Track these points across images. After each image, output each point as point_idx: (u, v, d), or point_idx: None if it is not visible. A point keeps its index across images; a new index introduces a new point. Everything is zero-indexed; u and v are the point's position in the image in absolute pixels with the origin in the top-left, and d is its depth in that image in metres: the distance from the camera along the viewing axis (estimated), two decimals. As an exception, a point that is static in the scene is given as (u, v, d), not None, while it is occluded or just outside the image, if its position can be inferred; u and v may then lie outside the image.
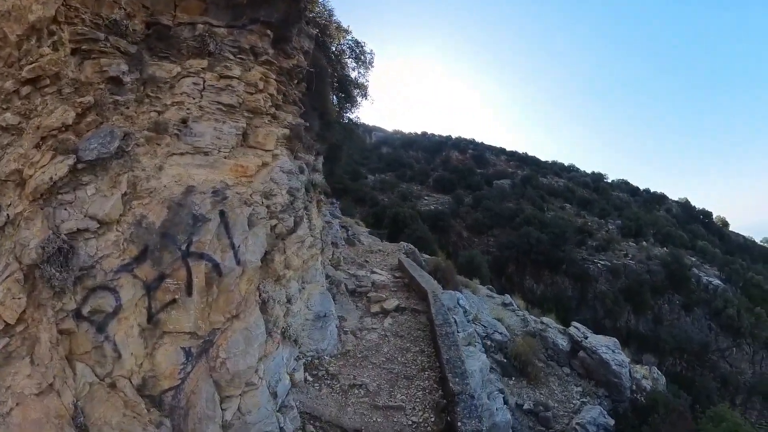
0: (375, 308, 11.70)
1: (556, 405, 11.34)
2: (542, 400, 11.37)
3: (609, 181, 78.18)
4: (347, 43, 16.29)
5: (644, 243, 45.99)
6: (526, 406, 10.96)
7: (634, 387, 12.69)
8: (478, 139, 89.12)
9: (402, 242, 24.94)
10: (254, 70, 7.25)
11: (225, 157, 6.43)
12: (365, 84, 17.03)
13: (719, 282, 39.77)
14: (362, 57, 16.47)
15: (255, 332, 6.10)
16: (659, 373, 16.79)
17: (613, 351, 12.38)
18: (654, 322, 36.00)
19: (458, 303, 14.67)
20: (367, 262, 16.48)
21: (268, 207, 6.91)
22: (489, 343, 12.86)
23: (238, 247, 5.93)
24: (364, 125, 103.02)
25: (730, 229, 70.86)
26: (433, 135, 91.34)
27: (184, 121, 6.31)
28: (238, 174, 6.52)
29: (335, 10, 15.95)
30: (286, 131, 8.37)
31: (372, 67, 16.67)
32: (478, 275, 25.80)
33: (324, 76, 11.64)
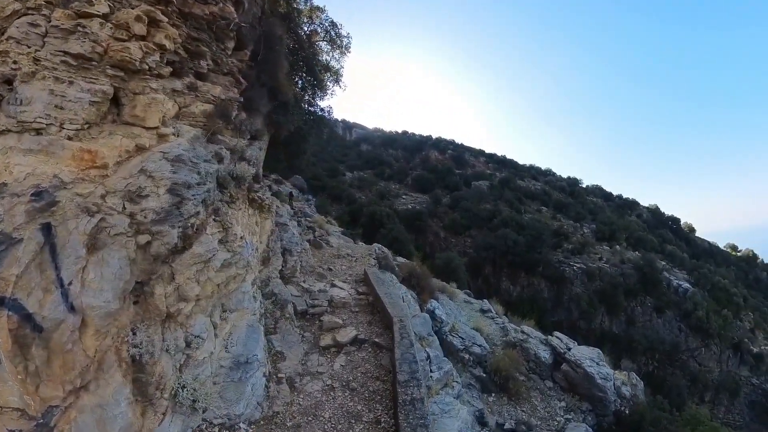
0: (326, 339, 9.19)
1: (539, 423, 10.59)
2: (524, 418, 10.60)
3: (584, 186, 79.55)
4: (321, 24, 15.07)
5: (617, 247, 46.56)
6: (507, 426, 10.15)
7: (618, 400, 12.12)
8: (458, 140, 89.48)
9: (375, 245, 23.93)
10: (135, 9, 5.46)
11: (68, 138, 4.56)
12: (339, 69, 15.79)
13: (689, 285, 40.65)
14: (338, 40, 15.28)
15: (114, 410, 4.23)
16: (638, 378, 16.42)
17: (598, 364, 11.76)
18: (627, 324, 36.51)
19: (434, 313, 13.85)
20: (330, 270, 14.45)
21: (132, 215, 4.73)
22: (467, 357, 12.02)
23: (69, 284, 3.98)
24: (344, 121, 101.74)
25: (697, 234, 73.43)
26: (413, 134, 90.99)
27: (8, 82, 4.38)
28: (85, 164, 4.54)
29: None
30: (208, 107, 6.90)
31: (348, 52, 15.50)
32: (455, 278, 25.08)
33: (276, 45, 10.19)
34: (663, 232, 61.72)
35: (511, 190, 60.04)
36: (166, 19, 5.95)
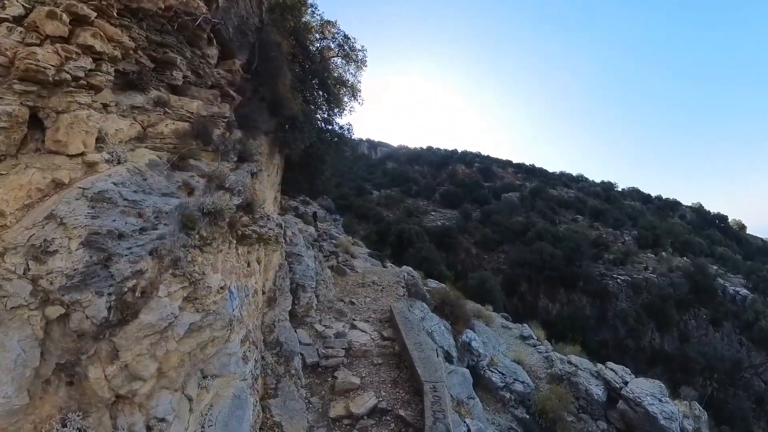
0: (338, 408, 7.40)
1: (593, 473, 9.40)
2: (577, 467, 9.45)
3: (620, 189, 76.33)
4: (334, 38, 14.67)
5: (663, 254, 43.78)
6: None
7: (683, 441, 10.71)
8: (484, 152, 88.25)
9: (404, 268, 23.05)
10: (46, 6, 4.36)
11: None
12: (355, 84, 15.23)
13: (747, 291, 37.33)
14: (352, 54, 14.84)
15: None
16: (701, 408, 14.72)
17: (660, 400, 10.42)
18: (681, 340, 33.61)
19: (470, 345, 12.86)
20: (352, 303, 12.89)
21: (35, 280, 3.57)
22: (508, 395, 10.98)
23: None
24: (369, 140, 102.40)
25: (748, 232, 68.21)
26: (438, 149, 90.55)
27: None
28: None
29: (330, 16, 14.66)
30: (181, 125, 6.03)
31: (365, 66, 14.98)
32: (490, 299, 23.90)
33: (273, 53, 9.25)
34: (710, 233, 57.79)
35: (544, 200, 58.18)
36: (94, 14, 4.73)
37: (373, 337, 10.17)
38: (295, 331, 9.25)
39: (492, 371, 11.66)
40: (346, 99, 15.13)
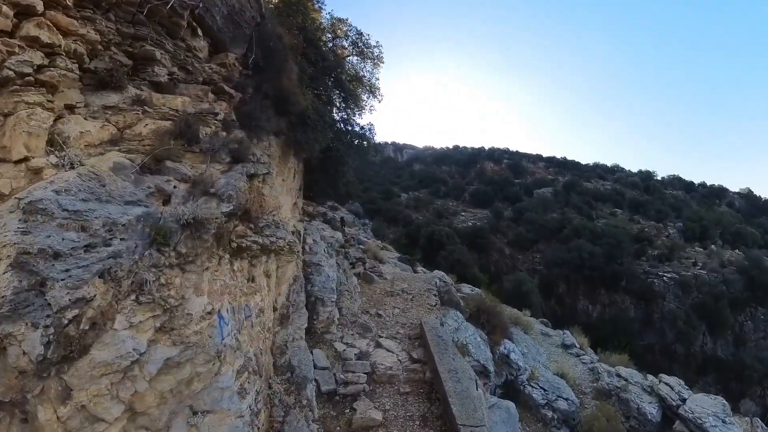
0: None
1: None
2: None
3: (659, 178, 72.66)
4: (347, 36, 14.07)
5: (712, 247, 41.01)
6: None
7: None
8: (513, 148, 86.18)
9: (436, 273, 22.31)
10: None
11: None
12: (373, 81, 14.54)
13: (810, 286, 34.35)
14: (367, 51, 14.36)
15: None
16: (764, 426, 13.38)
17: (724, 421, 9.39)
18: (735, 345, 31.12)
19: (508, 358, 12.17)
20: (379, 316, 11.95)
21: None
22: (550, 414, 10.23)
23: None
24: (394, 143, 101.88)
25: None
26: (465, 148, 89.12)
27: None
28: None
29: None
30: (163, 124, 5.53)
31: (382, 63, 14.50)
32: (527, 303, 22.93)
33: (275, 45, 8.51)
34: (763, 221, 53.76)
35: (579, 195, 56.03)
36: (41, 3, 4.30)
37: (400, 358, 9.15)
38: (311, 352, 8.40)
39: (533, 386, 10.95)
40: (364, 97, 14.53)
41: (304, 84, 10.19)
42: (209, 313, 4.65)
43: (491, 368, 11.22)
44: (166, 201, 4.81)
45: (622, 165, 79.68)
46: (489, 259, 40.05)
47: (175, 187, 5.03)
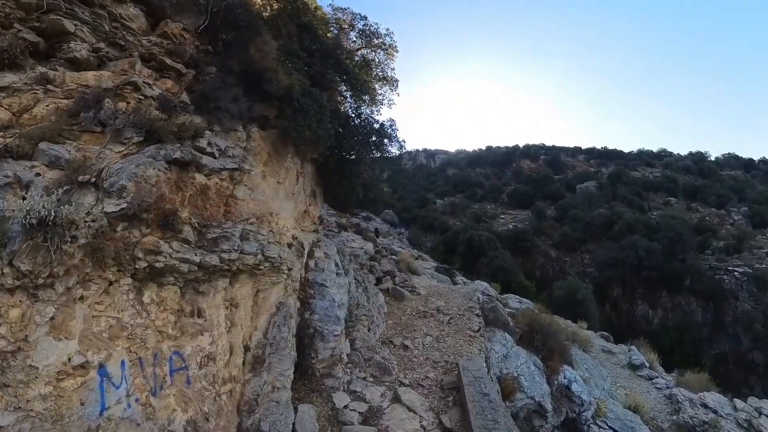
0: None
1: None
2: None
3: (713, 159, 67.15)
4: (353, 27, 12.93)
5: (788, 231, 36.86)
6: None
7: None
8: (548, 143, 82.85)
9: (477, 284, 20.62)
10: None
11: None
12: (387, 73, 13.17)
13: None
14: (376, 40, 12.96)
15: None
16: None
17: None
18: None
19: (569, 389, 10.70)
20: (405, 347, 9.97)
21: None
22: (628, 463, 8.74)
23: None
24: (426, 150, 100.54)
25: None
26: (498, 148, 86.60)
27: None
28: None
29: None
30: (67, 103, 4.64)
31: (396, 52, 13.22)
32: (582, 313, 20.93)
33: (240, 13, 7.27)
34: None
35: (626, 186, 52.54)
36: None
37: (425, 424, 6.84)
38: (295, 409, 6.43)
39: (600, 426, 9.50)
40: (378, 88, 13.15)
41: (289, 63, 8.56)
42: (80, 366, 3.31)
43: (548, 405, 9.74)
44: (24, 193, 3.69)
45: (669, 149, 74.52)
46: (534, 263, 37.91)
47: (38, 174, 3.83)
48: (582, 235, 39.18)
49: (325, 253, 10.79)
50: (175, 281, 4.61)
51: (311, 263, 9.88)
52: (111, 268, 3.86)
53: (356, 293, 11.26)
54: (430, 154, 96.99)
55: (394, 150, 13.34)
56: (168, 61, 6.07)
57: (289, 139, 7.80)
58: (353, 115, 12.50)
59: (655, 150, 74.65)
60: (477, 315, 12.44)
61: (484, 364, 9.25)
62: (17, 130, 4.19)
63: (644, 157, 70.45)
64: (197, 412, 4.63)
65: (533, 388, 9.90)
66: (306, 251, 9.52)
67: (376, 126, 12.34)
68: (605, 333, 17.45)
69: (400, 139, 12.88)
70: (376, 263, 16.30)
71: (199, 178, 5.11)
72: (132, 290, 4.10)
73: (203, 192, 5.14)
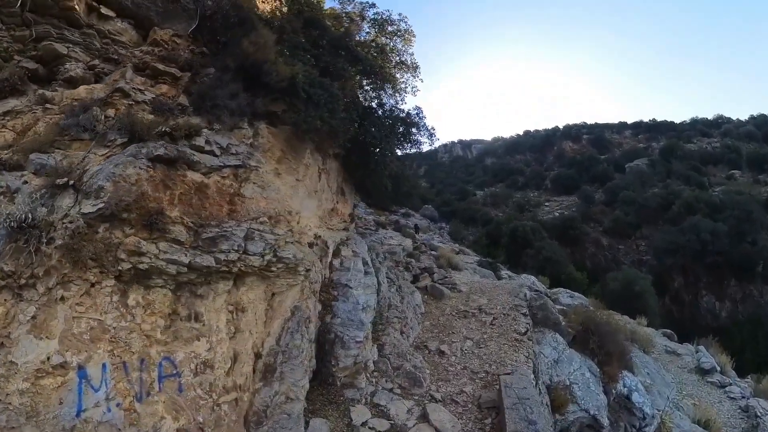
0: None
1: None
2: None
3: (780, 121, 60.80)
4: (364, 16, 12.30)
5: None
6: None
7: None
8: (590, 121, 78.58)
9: (524, 279, 19.60)
10: None
11: None
12: (406, 59, 12.49)
13: None
14: (388, 26, 12.32)
15: None
16: None
17: None
18: None
19: (629, 400, 9.85)
20: (441, 353, 9.15)
21: None
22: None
23: None
24: (461, 141, 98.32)
25: None
26: (537, 131, 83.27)
27: None
28: None
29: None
30: (59, 117, 4.94)
31: (413, 38, 12.55)
32: (642, 307, 19.29)
33: (229, 9, 7.15)
34: None
35: (681, 160, 48.73)
36: None
37: None
38: (306, 425, 6.01)
39: (668, 442, 8.67)
40: (398, 75, 12.38)
41: (294, 57, 8.14)
42: (60, 366, 3.38)
43: (605, 420, 8.85)
44: (11, 201, 3.99)
45: (726, 114, 68.39)
46: (584, 253, 35.89)
47: (25, 182, 4.16)
48: (635, 219, 36.45)
49: (353, 251, 10.30)
50: (164, 283, 4.50)
51: (336, 263, 9.44)
52: (92, 270, 3.89)
53: (388, 293, 10.64)
54: (465, 145, 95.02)
55: (424, 139, 12.65)
56: (161, 66, 6.21)
57: (304, 134, 7.47)
58: (375, 106, 11.96)
59: (710, 117, 69.01)
60: (524, 314, 11.42)
61: (532, 378, 8.31)
62: (15, 147, 4.62)
63: (699, 127, 65.11)
64: (190, 422, 4.47)
65: (588, 398, 9.15)
66: (331, 250, 9.22)
67: (401, 115, 11.80)
68: (668, 331, 16.07)
69: (430, 127, 12.17)
70: (413, 260, 15.61)
71: (192, 175, 5.05)
72: (116, 292, 4.08)
73: (200, 190, 5.07)
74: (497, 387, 7.68)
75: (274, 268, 5.68)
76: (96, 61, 5.90)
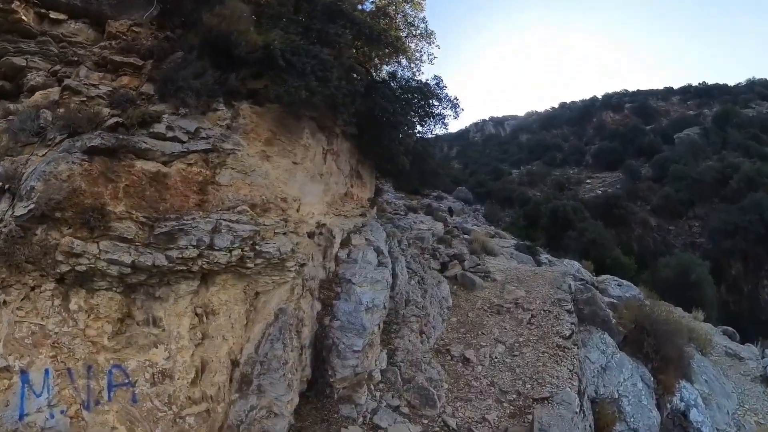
0: None
1: None
2: None
3: None
4: None
5: None
6: None
7: None
8: (631, 88, 73.54)
9: (567, 265, 18.31)
10: None
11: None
12: (417, 24, 11.19)
13: None
14: None
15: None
16: None
17: None
18: None
19: (685, 417, 8.94)
20: (466, 360, 8.00)
21: None
22: None
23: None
24: (492, 118, 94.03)
25: None
26: (573, 103, 78.98)
27: None
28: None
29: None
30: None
31: (423, 1, 11.51)
32: (698, 298, 17.70)
33: None
34: None
35: (739, 129, 44.76)
36: None
37: None
38: None
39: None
40: (411, 44, 11.07)
41: (274, 26, 7.23)
42: (5, 369, 3.41)
43: None
44: None
45: (790, 73, 61.98)
46: (630, 234, 33.77)
47: None
48: (688, 196, 33.74)
49: (366, 239, 9.23)
50: (109, 286, 4.27)
51: (343, 254, 8.35)
52: (31, 273, 3.83)
53: (407, 287, 9.49)
54: (498, 122, 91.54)
55: (448, 112, 11.54)
56: (118, 59, 5.99)
57: (295, 110, 6.70)
58: (387, 78, 10.83)
59: (768, 78, 62.81)
60: (568, 311, 10.00)
61: (576, 404, 7.08)
62: None
63: (758, 89, 59.40)
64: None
65: (638, 415, 8.30)
66: (337, 240, 8.33)
67: (416, 85, 10.68)
68: (729, 329, 14.58)
69: (453, 98, 10.99)
70: (441, 246, 14.47)
71: (145, 165, 4.77)
72: (57, 296, 3.98)
73: (157, 181, 4.75)
74: (529, 418, 6.61)
75: (251, 264, 5.17)
76: (58, 66, 6.02)
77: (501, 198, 47.22)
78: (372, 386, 6.76)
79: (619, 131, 55.19)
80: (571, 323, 9.42)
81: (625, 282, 16.74)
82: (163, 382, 4.52)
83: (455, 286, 11.44)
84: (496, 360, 8.21)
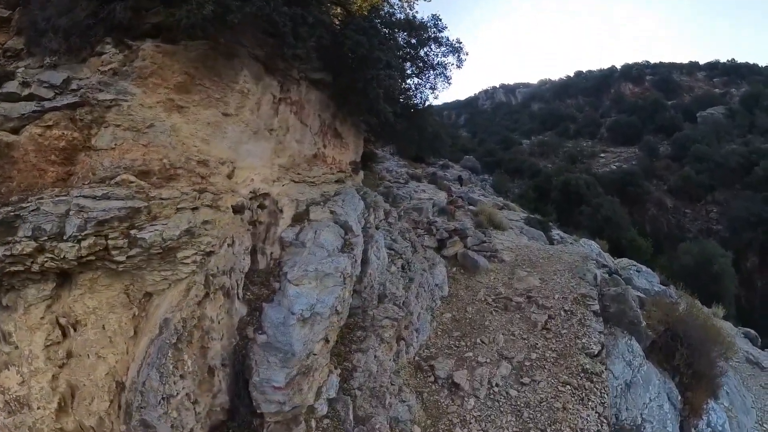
0: None
1: None
2: None
3: None
4: None
5: None
6: None
7: None
8: (654, 60, 69.67)
9: (585, 245, 16.31)
10: None
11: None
12: None
13: None
14: None
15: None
16: None
17: None
18: None
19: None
20: (454, 386, 6.11)
21: None
22: None
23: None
24: (503, 86, 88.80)
25: None
26: (590, 72, 75.15)
27: None
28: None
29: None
30: None
31: None
32: (718, 292, 16.52)
33: None
34: None
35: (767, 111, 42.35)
36: None
37: None
38: None
39: None
40: None
41: None
42: None
43: None
44: None
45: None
46: (644, 214, 32.39)
47: None
48: (708, 179, 32.06)
49: (331, 212, 7.14)
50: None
51: (290, 234, 6.25)
52: None
53: (382, 277, 7.26)
54: (509, 90, 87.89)
55: (450, 60, 9.57)
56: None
57: (232, 48, 5.14)
58: (366, 12, 8.36)
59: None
60: (594, 313, 8.05)
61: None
62: None
63: (791, 71, 56.42)
64: None
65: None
66: (287, 214, 6.58)
67: (403, 19, 8.70)
68: (751, 332, 13.52)
69: (454, 41, 9.12)
70: (440, 219, 12.46)
71: None
72: None
73: None
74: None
75: (121, 257, 3.81)
76: None
77: (510, 168, 45.74)
78: (314, 422, 4.90)
79: (638, 104, 52.65)
80: (599, 333, 7.69)
81: (644, 268, 15.09)
82: (21, 410, 3.61)
83: (454, 269, 9.64)
84: (496, 390, 6.02)
